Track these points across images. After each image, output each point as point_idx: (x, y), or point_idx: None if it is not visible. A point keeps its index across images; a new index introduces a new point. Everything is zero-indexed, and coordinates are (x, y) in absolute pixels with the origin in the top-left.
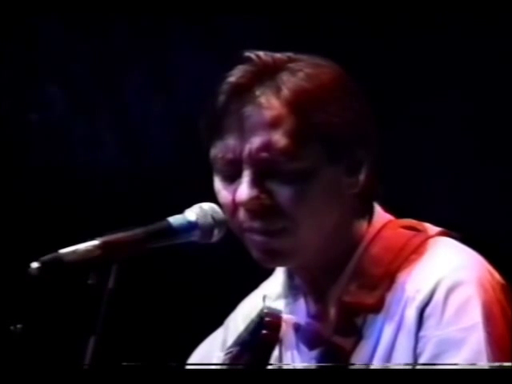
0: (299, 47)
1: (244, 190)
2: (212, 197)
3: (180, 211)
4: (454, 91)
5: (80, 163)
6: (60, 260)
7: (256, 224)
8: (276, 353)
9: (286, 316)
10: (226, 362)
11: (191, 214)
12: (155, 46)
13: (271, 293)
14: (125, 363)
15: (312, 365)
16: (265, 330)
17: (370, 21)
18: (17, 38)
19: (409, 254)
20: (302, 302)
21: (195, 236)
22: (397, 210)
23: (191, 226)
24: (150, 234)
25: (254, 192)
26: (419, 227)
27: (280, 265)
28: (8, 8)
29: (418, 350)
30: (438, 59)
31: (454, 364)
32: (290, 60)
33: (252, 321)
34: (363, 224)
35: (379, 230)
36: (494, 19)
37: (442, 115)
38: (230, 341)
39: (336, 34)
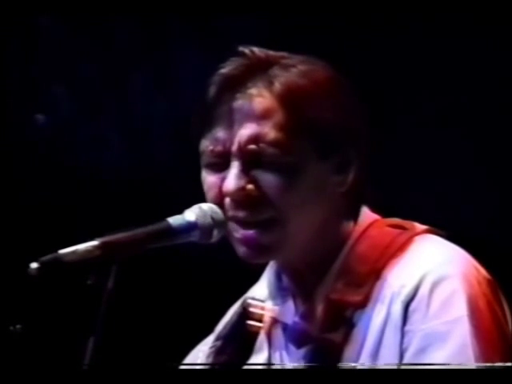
0: (299, 47)
1: (231, 180)
2: None
3: (180, 211)
4: (446, 92)
5: (81, 163)
6: (60, 260)
7: (241, 214)
8: (265, 354)
9: (268, 306)
10: (211, 355)
11: (191, 214)
12: (157, 47)
13: (259, 295)
14: (124, 363)
15: (300, 365)
16: (247, 319)
17: (370, 21)
18: (21, 38)
19: (395, 251)
20: (290, 304)
21: (194, 236)
22: (384, 211)
23: (191, 227)
24: (150, 234)
25: (242, 182)
26: (406, 225)
27: (265, 259)
28: (12, 9)
29: (404, 345)
30: (435, 61)
31: (442, 364)
32: (283, 57)
33: (235, 313)
34: (350, 223)
35: (366, 229)
36: (493, 19)
37: (436, 116)
38: None
39: (335, 35)
